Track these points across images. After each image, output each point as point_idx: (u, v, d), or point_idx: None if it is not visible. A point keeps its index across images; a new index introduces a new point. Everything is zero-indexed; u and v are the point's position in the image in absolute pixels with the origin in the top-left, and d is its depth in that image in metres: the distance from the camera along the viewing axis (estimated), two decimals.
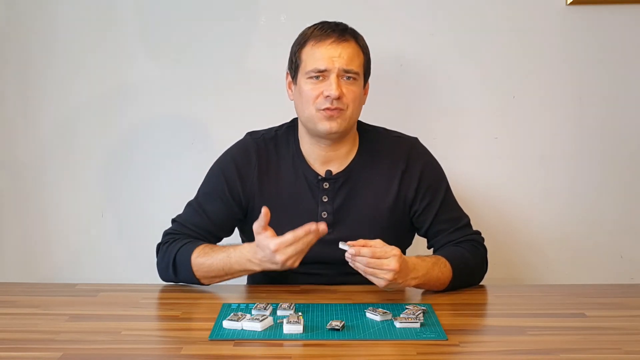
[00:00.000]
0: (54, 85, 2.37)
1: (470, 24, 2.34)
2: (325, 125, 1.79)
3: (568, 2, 2.31)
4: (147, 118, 2.39)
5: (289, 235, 1.63)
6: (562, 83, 2.35)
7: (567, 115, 2.37)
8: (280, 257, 1.64)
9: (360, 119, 1.93)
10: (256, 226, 1.67)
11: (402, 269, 1.65)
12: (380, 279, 1.64)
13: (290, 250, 1.64)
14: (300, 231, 1.63)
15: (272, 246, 1.64)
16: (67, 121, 2.40)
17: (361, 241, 1.65)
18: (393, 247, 1.65)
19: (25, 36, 2.36)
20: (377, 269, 1.63)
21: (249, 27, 2.35)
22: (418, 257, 1.76)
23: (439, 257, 1.79)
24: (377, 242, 1.66)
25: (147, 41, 2.37)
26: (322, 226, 1.64)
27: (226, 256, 1.75)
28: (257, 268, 1.72)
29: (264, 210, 1.65)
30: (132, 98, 2.38)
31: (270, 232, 1.66)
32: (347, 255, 1.64)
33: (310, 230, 1.63)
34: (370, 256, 1.62)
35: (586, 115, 2.37)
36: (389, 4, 2.33)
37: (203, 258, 1.78)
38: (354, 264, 1.64)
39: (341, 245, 1.64)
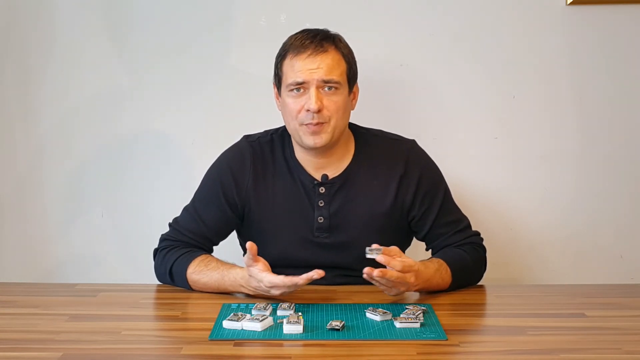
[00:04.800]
0: (54, 86, 2.37)
1: (470, 24, 2.33)
2: (310, 140, 1.79)
3: (568, 2, 2.30)
4: (146, 119, 2.39)
5: (282, 279, 1.63)
6: (562, 83, 2.35)
7: (567, 115, 2.37)
8: (275, 292, 1.66)
9: (359, 119, 1.92)
10: (246, 260, 1.68)
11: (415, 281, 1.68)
12: (398, 289, 1.67)
13: (285, 289, 1.65)
14: (296, 279, 1.62)
15: (267, 283, 1.65)
16: (67, 121, 2.39)
17: (384, 250, 1.64)
18: (412, 261, 1.67)
19: (25, 37, 2.36)
20: (401, 281, 1.64)
21: (249, 28, 2.35)
22: (422, 263, 1.75)
23: (441, 262, 1.79)
24: (394, 250, 1.66)
25: (147, 42, 2.36)
26: (318, 272, 1.63)
27: (220, 277, 1.76)
28: (251, 293, 1.73)
29: (249, 245, 1.65)
30: (132, 99, 2.38)
31: (261, 264, 1.67)
32: (377, 261, 1.62)
33: (308, 279, 1.62)
34: (400, 269, 1.63)
35: (586, 115, 2.37)
36: (389, 4, 2.33)
37: (198, 275, 1.79)
38: (378, 276, 1.62)
39: (368, 255, 1.63)
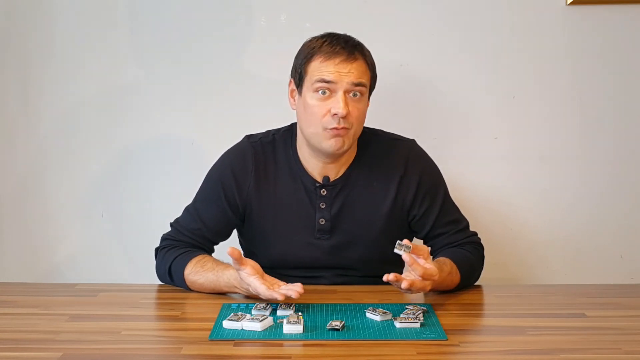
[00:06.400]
0: (54, 86, 2.37)
1: (471, 24, 2.34)
2: (331, 145, 1.77)
3: (568, 2, 2.31)
4: (147, 119, 2.39)
5: (264, 291, 1.61)
6: (562, 83, 2.35)
7: (567, 115, 2.37)
8: (264, 297, 1.64)
9: None
10: (233, 265, 1.66)
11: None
12: (411, 291, 1.65)
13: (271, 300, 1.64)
14: (275, 294, 1.59)
15: (252, 290, 1.64)
16: (67, 121, 2.40)
17: (414, 248, 1.62)
18: (435, 270, 1.64)
19: (25, 36, 2.36)
20: (420, 287, 1.63)
21: (249, 28, 2.35)
22: (438, 265, 1.71)
23: (452, 263, 1.78)
24: (423, 250, 1.65)
25: (147, 42, 2.37)
26: (298, 291, 1.60)
27: (215, 279, 1.75)
28: (245, 294, 1.72)
29: (229, 252, 1.61)
30: (132, 99, 2.38)
31: (249, 267, 1.65)
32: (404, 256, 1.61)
33: (286, 296, 1.60)
34: (420, 275, 1.61)
35: (586, 115, 2.37)
36: (389, 4, 2.33)
37: (195, 276, 1.78)
38: (406, 287, 1.60)
39: (397, 250, 1.60)
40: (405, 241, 1.61)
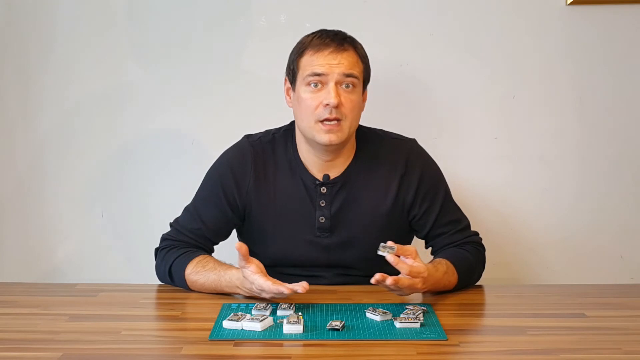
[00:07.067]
0: (54, 86, 2.37)
1: (470, 24, 2.34)
2: (324, 138, 1.78)
3: (568, 2, 2.31)
4: (146, 118, 2.39)
5: (269, 285, 1.61)
6: (562, 83, 2.35)
7: (567, 116, 2.37)
8: (266, 296, 1.65)
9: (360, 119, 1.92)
10: (239, 261, 1.66)
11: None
12: (402, 292, 1.65)
13: (273, 294, 1.63)
14: (281, 288, 1.60)
15: (257, 287, 1.64)
16: (67, 121, 2.40)
17: (400, 249, 1.62)
18: (422, 267, 1.64)
19: (25, 37, 2.36)
20: (409, 286, 1.63)
21: (249, 28, 2.35)
22: (432, 265, 1.73)
23: (449, 263, 1.78)
24: (410, 250, 1.65)
25: (146, 41, 2.37)
26: (304, 287, 1.61)
27: (217, 279, 1.75)
28: (246, 294, 1.71)
29: (238, 246, 1.62)
30: (132, 98, 2.38)
31: (254, 266, 1.65)
32: (388, 258, 1.61)
33: (293, 291, 1.60)
34: (407, 273, 1.61)
35: (586, 115, 2.37)
36: (389, 4, 2.33)
37: (196, 276, 1.78)
38: (391, 284, 1.60)
39: (380, 252, 1.61)
40: (390, 242, 1.62)
